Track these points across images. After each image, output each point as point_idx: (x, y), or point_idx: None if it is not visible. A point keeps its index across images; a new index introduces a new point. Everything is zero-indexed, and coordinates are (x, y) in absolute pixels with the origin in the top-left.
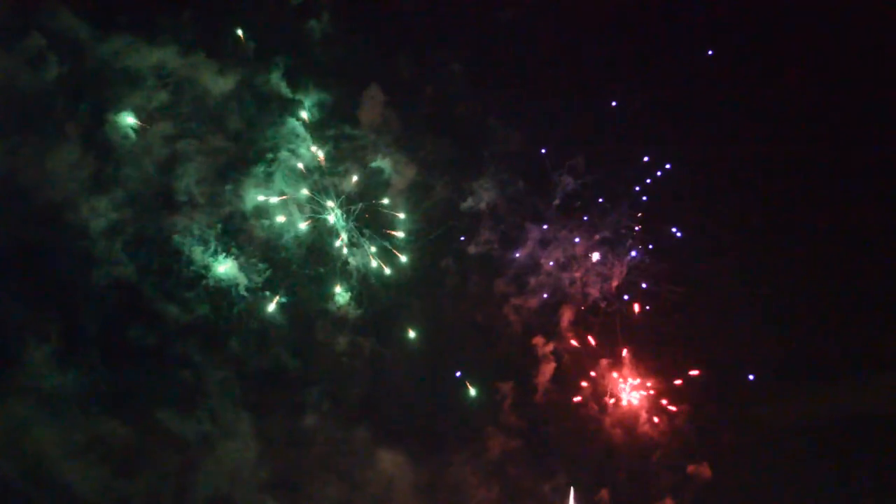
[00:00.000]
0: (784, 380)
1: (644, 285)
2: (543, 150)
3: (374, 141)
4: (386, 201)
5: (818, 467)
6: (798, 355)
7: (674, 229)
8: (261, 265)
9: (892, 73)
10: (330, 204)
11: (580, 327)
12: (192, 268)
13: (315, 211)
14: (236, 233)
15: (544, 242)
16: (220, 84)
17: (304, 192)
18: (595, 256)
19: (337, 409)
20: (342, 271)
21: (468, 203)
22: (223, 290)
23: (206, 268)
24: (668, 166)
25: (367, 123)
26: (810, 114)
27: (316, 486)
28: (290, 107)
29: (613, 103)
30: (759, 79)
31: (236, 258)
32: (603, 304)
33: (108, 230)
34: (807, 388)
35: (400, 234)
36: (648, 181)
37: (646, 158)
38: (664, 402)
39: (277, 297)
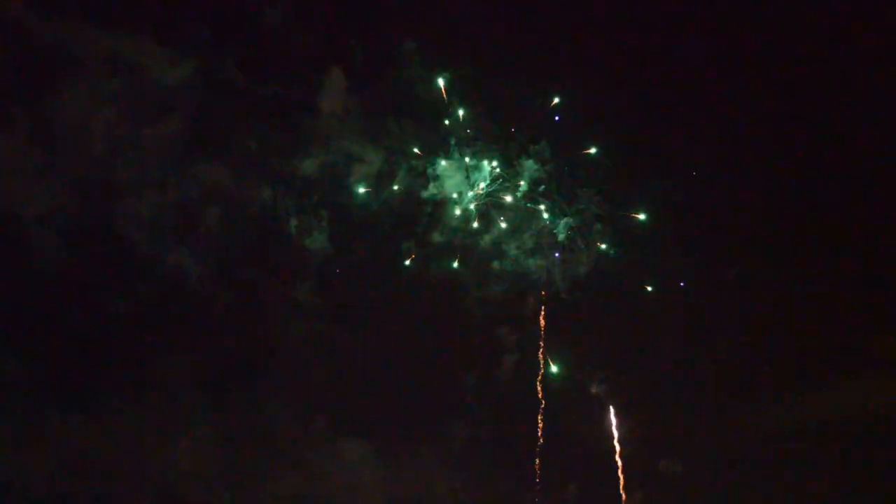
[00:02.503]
0: (758, 378)
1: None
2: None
3: (335, 126)
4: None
5: (792, 466)
6: (773, 354)
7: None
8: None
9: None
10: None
11: (546, 317)
12: (141, 256)
13: (275, 196)
14: (188, 219)
15: (510, 230)
16: (172, 72)
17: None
18: (561, 242)
19: (297, 399)
20: (301, 257)
21: (431, 189)
22: (175, 279)
23: (157, 256)
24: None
25: (327, 109)
26: (798, 101)
27: (275, 478)
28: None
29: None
30: (735, 64)
31: (188, 245)
32: (566, 295)
33: (52, 217)
34: (783, 388)
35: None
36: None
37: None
38: (634, 395)
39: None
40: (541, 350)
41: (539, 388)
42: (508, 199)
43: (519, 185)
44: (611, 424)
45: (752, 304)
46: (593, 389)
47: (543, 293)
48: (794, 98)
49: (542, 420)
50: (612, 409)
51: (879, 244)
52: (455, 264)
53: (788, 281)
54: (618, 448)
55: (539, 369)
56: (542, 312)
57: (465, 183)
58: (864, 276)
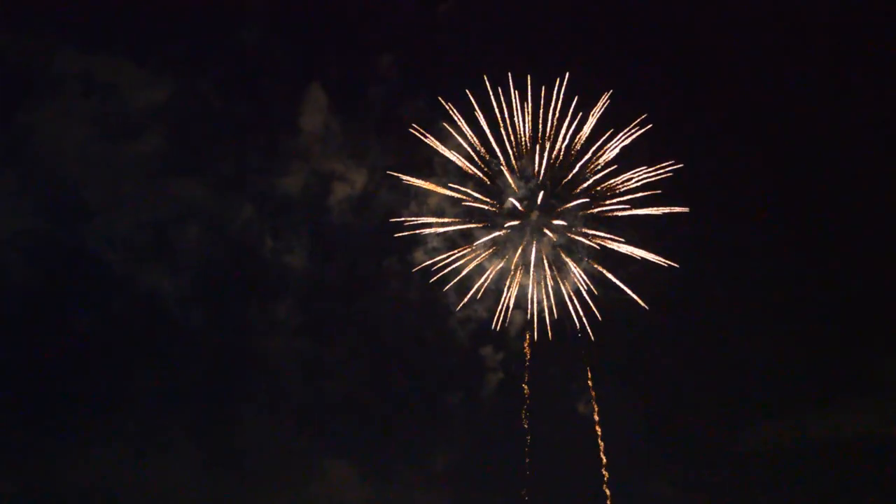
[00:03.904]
0: (753, 400)
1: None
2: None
3: (315, 146)
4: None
5: (786, 488)
6: (769, 375)
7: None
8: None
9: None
10: None
11: (530, 336)
12: (114, 275)
13: (257, 214)
14: (163, 238)
15: (494, 247)
16: (148, 92)
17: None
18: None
19: (278, 419)
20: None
21: (413, 208)
22: (149, 299)
23: (131, 275)
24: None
25: (307, 127)
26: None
27: (256, 500)
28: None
29: None
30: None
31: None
32: (552, 313)
33: (21, 237)
34: (779, 409)
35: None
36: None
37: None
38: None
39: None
40: (525, 380)
41: (524, 420)
42: (491, 216)
43: (504, 203)
44: (599, 448)
45: (749, 325)
46: (581, 410)
47: (529, 336)
48: (797, 120)
49: (528, 447)
50: (599, 431)
51: (881, 265)
52: (438, 283)
53: (787, 302)
54: (606, 475)
55: (522, 387)
56: (527, 341)
57: (447, 201)
58: (864, 298)
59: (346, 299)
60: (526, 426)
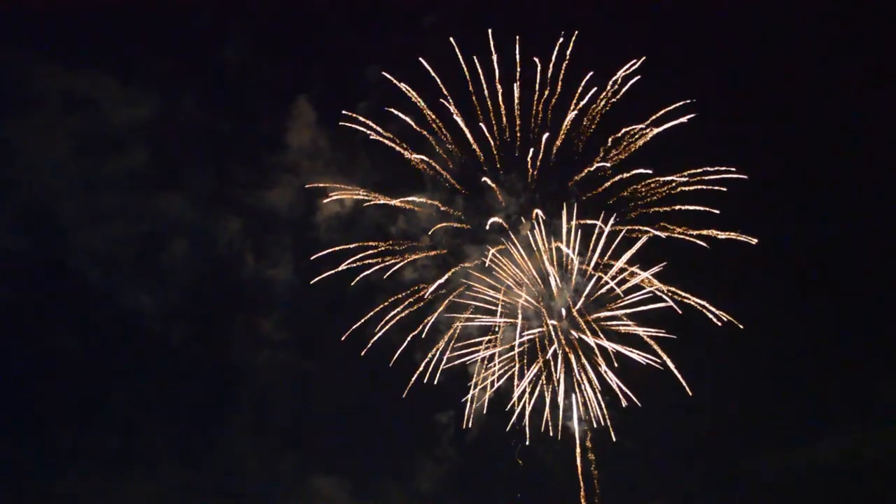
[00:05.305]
0: (752, 425)
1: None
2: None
3: (303, 162)
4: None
5: None
6: (769, 401)
7: None
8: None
9: None
10: None
11: (523, 351)
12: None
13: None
14: (148, 253)
15: (486, 264)
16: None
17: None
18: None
19: (264, 436)
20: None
21: (401, 224)
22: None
23: (112, 292)
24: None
25: (294, 144)
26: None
27: None
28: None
29: None
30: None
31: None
32: (548, 328)
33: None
34: (780, 433)
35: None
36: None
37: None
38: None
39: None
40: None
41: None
42: (480, 231)
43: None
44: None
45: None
46: (573, 428)
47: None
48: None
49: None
50: (592, 458)
51: (880, 290)
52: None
53: (788, 329)
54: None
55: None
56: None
57: (437, 217)
58: (878, 323)
59: (333, 315)
60: (520, 462)
